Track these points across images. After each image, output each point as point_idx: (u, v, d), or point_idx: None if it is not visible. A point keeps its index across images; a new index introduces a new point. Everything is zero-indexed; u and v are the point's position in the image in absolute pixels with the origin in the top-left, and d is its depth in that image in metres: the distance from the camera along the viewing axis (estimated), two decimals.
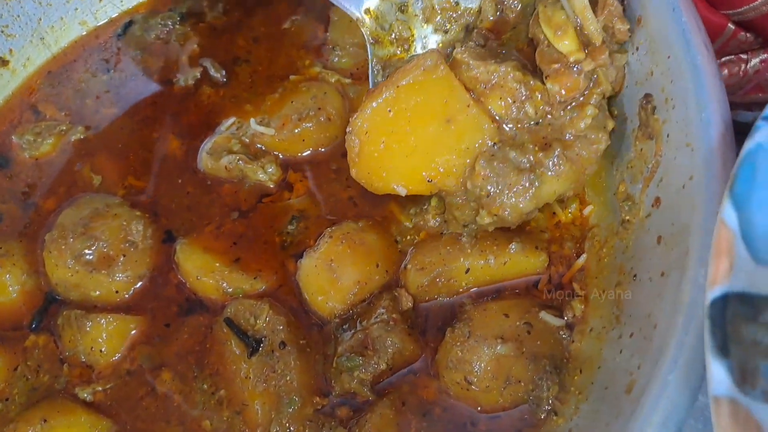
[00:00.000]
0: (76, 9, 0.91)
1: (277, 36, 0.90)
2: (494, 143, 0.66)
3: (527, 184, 0.65)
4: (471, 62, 0.67)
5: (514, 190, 0.65)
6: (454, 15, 0.77)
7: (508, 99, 0.66)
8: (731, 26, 0.79)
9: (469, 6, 0.76)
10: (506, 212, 0.66)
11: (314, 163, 0.81)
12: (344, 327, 0.72)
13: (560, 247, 0.75)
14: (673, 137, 0.60)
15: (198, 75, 0.88)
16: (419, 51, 0.79)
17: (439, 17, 0.77)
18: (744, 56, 0.87)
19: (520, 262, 0.72)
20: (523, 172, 0.65)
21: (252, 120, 0.82)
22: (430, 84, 0.67)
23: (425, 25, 0.78)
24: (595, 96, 0.66)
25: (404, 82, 0.68)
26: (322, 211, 0.78)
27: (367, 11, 0.77)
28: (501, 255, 0.72)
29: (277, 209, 0.78)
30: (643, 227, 0.64)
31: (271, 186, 0.80)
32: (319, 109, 0.81)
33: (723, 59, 0.89)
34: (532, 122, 0.67)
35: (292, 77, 0.86)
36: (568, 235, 0.75)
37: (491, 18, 0.75)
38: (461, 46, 0.70)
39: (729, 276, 0.46)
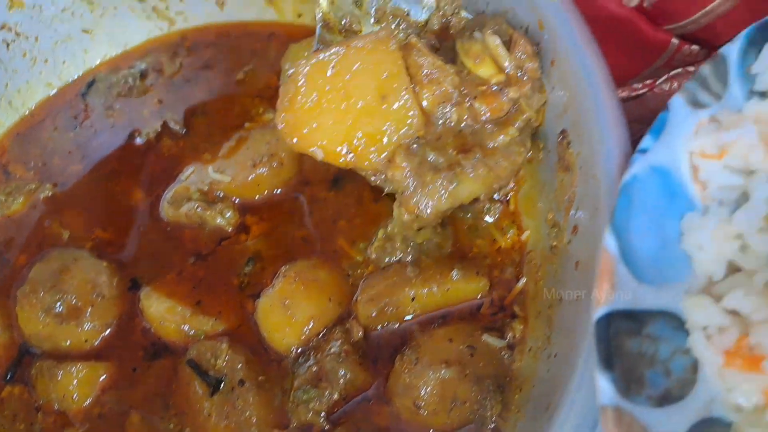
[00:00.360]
0: (41, 72, 0.97)
1: (232, 86, 0.95)
2: (418, 136, 0.70)
3: (445, 183, 0.69)
4: (423, 49, 0.71)
5: (430, 188, 0.70)
6: (403, 24, 0.81)
7: (441, 97, 0.70)
8: (675, 41, 0.83)
9: (418, 19, 0.80)
10: (423, 210, 0.70)
11: (269, 205, 0.86)
12: (300, 361, 0.76)
13: (501, 272, 0.79)
14: (583, 169, 0.64)
15: (159, 128, 0.93)
16: None
17: (386, 21, 0.81)
18: (691, 68, 0.92)
19: (462, 288, 0.77)
20: (440, 172, 0.70)
21: (210, 168, 0.87)
22: (377, 55, 0.70)
23: (375, 26, 0.82)
24: (519, 121, 0.71)
25: (354, 45, 0.70)
26: (277, 251, 0.82)
27: None
28: (444, 282, 0.76)
29: (235, 252, 0.83)
30: (567, 253, 0.68)
31: (229, 230, 0.84)
32: (272, 155, 0.86)
33: (671, 73, 0.94)
34: (455, 127, 0.71)
35: (246, 125, 0.91)
36: (508, 260, 0.79)
37: (436, 27, 0.79)
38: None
39: (611, 297, 0.51)
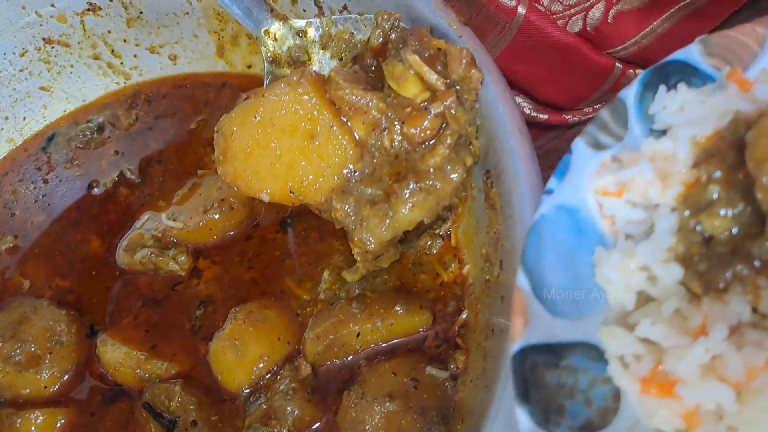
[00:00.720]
0: (2, 129, 1.01)
1: (186, 136, 0.99)
2: (355, 170, 0.72)
3: (381, 215, 0.71)
4: (341, 82, 0.73)
5: (368, 223, 0.72)
6: (348, 45, 0.84)
7: (370, 126, 0.72)
8: (619, 65, 0.86)
9: (362, 38, 0.83)
10: (366, 245, 0.73)
11: (222, 248, 0.89)
12: (251, 400, 0.79)
13: (445, 305, 0.82)
14: (504, 209, 0.68)
15: (115, 178, 0.97)
16: None
17: (335, 45, 0.84)
18: None
19: (406, 322, 0.80)
20: (377, 204, 0.71)
21: (163, 215, 0.90)
22: (294, 99, 0.72)
23: (322, 51, 0.85)
24: (449, 138, 0.71)
25: (269, 93, 0.73)
26: (228, 294, 0.85)
27: (267, 32, 0.84)
28: (388, 317, 0.79)
29: (188, 296, 0.86)
30: (497, 286, 0.72)
31: (182, 274, 0.88)
32: (223, 200, 0.89)
33: None
34: (391, 153, 0.72)
35: (200, 172, 0.95)
36: (451, 293, 0.83)
37: (376, 44, 0.80)
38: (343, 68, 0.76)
39: (525, 332, 0.54)
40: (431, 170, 0.71)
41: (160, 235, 0.89)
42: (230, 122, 0.74)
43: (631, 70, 0.87)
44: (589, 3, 0.83)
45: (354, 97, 0.72)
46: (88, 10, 0.97)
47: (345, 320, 0.80)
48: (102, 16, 0.98)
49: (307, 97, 0.72)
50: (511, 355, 0.53)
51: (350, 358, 0.80)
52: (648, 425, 0.51)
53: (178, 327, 0.84)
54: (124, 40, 1.00)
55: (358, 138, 0.73)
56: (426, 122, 0.70)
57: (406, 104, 0.72)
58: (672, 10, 0.80)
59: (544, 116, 0.95)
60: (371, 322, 0.79)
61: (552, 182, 0.59)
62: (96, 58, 1.01)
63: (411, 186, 0.71)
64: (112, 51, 1.01)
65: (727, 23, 0.79)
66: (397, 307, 0.80)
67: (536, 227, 0.57)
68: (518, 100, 0.93)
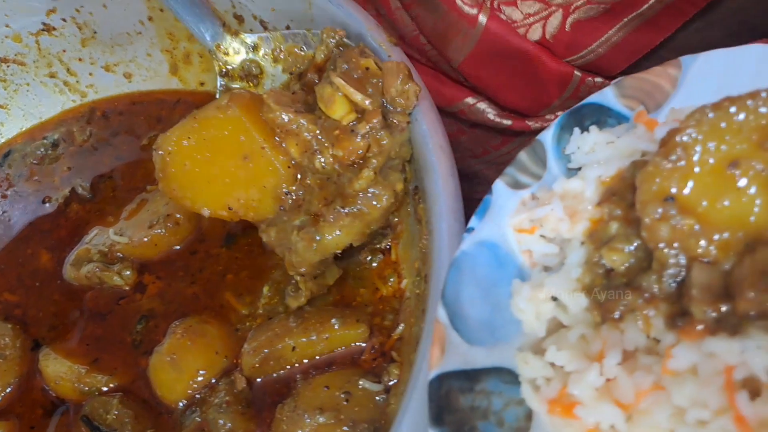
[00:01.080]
0: None
1: (137, 152, 1.01)
2: (289, 190, 0.74)
3: (309, 239, 0.72)
4: (272, 105, 0.73)
5: (296, 247, 0.73)
6: (297, 60, 0.85)
7: (302, 147, 0.73)
8: (578, 73, 0.87)
9: (310, 53, 0.84)
10: (298, 268, 0.74)
11: (167, 263, 0.90)
12: (187, 413, 0.79)
13: (382, 319, 0.83)
14: (428, 225, 0.69)
15: (67, 193, 0.98)
16: (268, 87, 0.88)
17: (286, 59, 0.86)
18: None
19: (342, 336, 0.81)
20: (304, 229, 0.73)
21: (111, 230, 0.92)
22: (224, 121, 0.74)
23: (274, 65, 0.87)
24: (373, 160, 0.72)
25: (200, 115, 0.75)
26: (169, 309, 0.87)
27: (218, 46, 0.86)
28: (323, 331, 0.80)
29: (130, 310, 0.87)
30: (425, 300, 0.73)
31: (127, 288, 0.89)
32: (169, 215, 0.91)
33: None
34: (322, 175, 0.74)
35: (149, 188, 0.96)
36: (389, 307, 0.84)
37: (319, 60, 0.81)
38: (284, 88, 0.78)
39: (441, 361, 0.55)
40: (360, 194, 0.72)
41: (106, 249, 0.91)
42: (166, 142, 0.76)
43: (590, 78, 0.89)
44: (547, 12, 0.84)
45: (285, 120, 0.73)
46: (43, 30, 0.99)
47: (281, 334, 0.81)
48: (57, 36, 1.00)
49: (235, 120, 0.74)
50: (429, 382, 0.55)
51: (286, 371, 0.81)
52: None
53: (120, 341, 0.85)
54: (80, 59, 1.03)
55: (293, 159, 0.74)
56: (353, 145, 0.71)
57: (335, 126, 0.73)
58: (625, 19, 0.81)
59: (507, 122, 0.96)
60: (307, 335, 0.80)
61: (473, 221, 0.61)
62: (52, 76, 1.03)
63: (338, 210, 0.72)
64: (68, 69, 1.03)
65: (680, 33, 0.81)
66: (334, 321, 0.81)
67: (456, 263, 0.59)
68: (482, 106, 0.94)
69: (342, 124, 0.72)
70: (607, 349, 0.51)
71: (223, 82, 0.88)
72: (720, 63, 0.55)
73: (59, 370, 0.83)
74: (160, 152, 0.76)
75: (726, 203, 0.47)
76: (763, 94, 0.46)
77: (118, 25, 0.99)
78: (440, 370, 0.56)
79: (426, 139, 0.69)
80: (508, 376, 0.56)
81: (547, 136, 0.63)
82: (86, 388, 0.82)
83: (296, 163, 0.74)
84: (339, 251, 0.77)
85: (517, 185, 0.62)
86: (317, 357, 0.81)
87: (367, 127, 0.71)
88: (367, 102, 0.71)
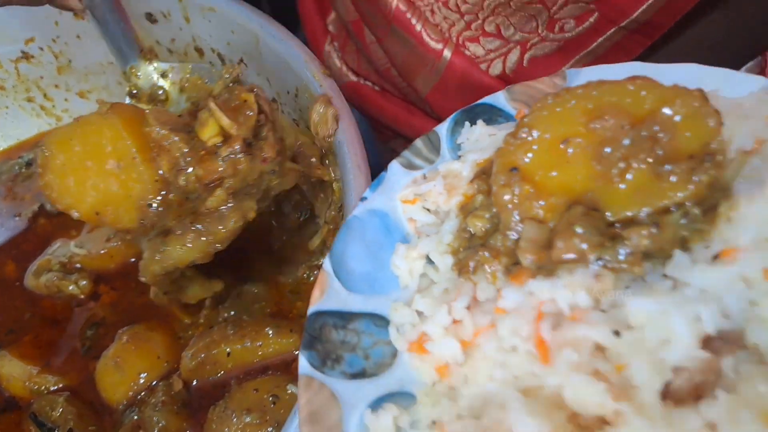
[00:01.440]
0: None
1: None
2: (153, 203, 0.74)
3: (154, 250, 0.77)
4: (150, 120, 0.76)
5: (144, 256, 0.78)
6: (199, 91, 0.92)
7: (172, 164, 0.75)
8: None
9: (211, 86, 0.92)
10: (142, 275, 0.79)
11: (122, 274, 0.97)
12: (127, 413, 0.85)
13: None
14: None
15: (36, 209, 1.06)
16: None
17: (190, 88, 0.93)
18: None
19: (275, 344, 0.86)
20: (152, 241, 0.77)
21: (72, 243, 0.99)
22: (103, 127, 0.76)
23: (180, 93, 0.94)
24: (228, 182, 0.74)
25: (83, 119, 0.77)
26: (119, 318, 0.93)
27: (132, 69, 0.94)
28: (257, 339, 0.86)
29: (83, 318, 0.94)
30: None
31: (82, 297, 0.95)
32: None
33: None
34: (185, 192, 0.75)
35: None
36: None
37: (216, 92, 0.85)
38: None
39: (320, 300, 0.63)
40: (212, 214, 0.76)
41: (66, 260, 0.98)
42: (49, 141, 0.77)
43: None
44: (507, 48, 0.91)
45: (160, 135, 0.76)
46: (22, 57, 1.07)
47: (218, 340, 0.87)
48: (34, 64, 1.08)
49: (114, 127, 0.75)
50: (308, 316, 0.62)
51: (222, 375, 0.86)
52: (413, 378, 0.60)
53: (71, 346, 0.92)
54: (56, 86, 1.11)
55: (162, 174, 0.76)
56: (213, 165, 0.74)
57: (202, 147, 0.76)
58: (577, 57, 0.87)
59: None
60: (242, 342, 0.86)
61: (367, 192, 0.70)
62: (30, 100, 1.11)
63: (186, 224, 0.76)
64: (45, 95, 1.11)
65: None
66: (269, 330, 0.87)
67: (347, 225, 0.67)
68: None
69: (207, 145, 0.75)
70: (458, 296, 0.58)
71: (130, 103, 0.96)
72: (597, 75, 0.62)
73: (12, 371, 0.89)
74: (43, 150, 0.76)
75: (556, 173, 0.55)
76: (593, 85, 0.56)
77: (92, 55, 1.07)
78: (318, 308, 0.63)
79: (346, 160, 0.76)
80: (381, 321, 0.64)
81: (443, 128, 0.72)
82: (36, 387, 0.88)
83: (164, 178, 0.76)
84: (182, 266, 0.78)
85: (411, 166, 0.71)
86: (253, 363, 0.87)
87: (228, 150, 0.74)
88: (233, 128, 0.74)
